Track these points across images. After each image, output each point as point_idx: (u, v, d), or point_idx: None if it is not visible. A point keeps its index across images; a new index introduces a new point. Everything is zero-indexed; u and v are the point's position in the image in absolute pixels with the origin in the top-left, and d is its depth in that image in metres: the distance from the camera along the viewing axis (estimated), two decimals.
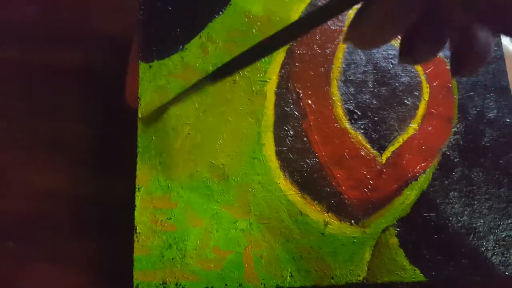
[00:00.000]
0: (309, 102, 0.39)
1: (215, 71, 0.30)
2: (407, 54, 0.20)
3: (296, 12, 0.41)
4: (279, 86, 0.40)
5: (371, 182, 0.38)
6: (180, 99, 0.37)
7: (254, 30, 0.40)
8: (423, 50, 0.20)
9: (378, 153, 0.39)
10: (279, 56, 0.40)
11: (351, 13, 0.42)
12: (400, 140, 0.40)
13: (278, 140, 0.39)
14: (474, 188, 0.40)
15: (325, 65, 0.40)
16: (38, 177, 0.42)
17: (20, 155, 0.43)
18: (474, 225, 0.39)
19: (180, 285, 0.35)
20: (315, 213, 0.37)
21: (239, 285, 0.35)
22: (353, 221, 0.38)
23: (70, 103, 0.45)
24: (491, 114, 0.42)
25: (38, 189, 0.42)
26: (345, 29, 0.41)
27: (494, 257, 0.38)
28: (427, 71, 0.42)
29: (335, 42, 0.41)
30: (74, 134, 0.44)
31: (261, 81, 0.39)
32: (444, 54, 0.43)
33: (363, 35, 0.20)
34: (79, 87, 0.46)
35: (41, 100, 0.45)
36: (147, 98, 0.38)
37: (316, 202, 0.38)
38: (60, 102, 0.45)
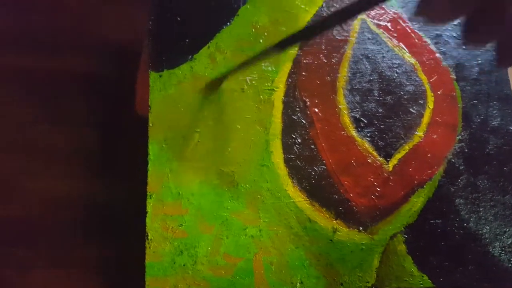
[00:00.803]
0: (316, 110, 0.40)
1: (282, 41, 0.31)
2: (468, 38, 0.22)
3: (302, 22, 0.42)
4: (286, 94, 0.40)
5: (378, 189, 0.39)
6: (246, 66, 0.39)
7: (261, 40, 0.41)
8: (483, 35, 0.21)
9: (385, 161, 0.40)
10: (286, 65, 0.41)
11: (356, 23, 0.43)
12: (406, 147, 0.40)
13: (286, 148, 0.39)
14: (480, 195, 0.40)
15: (331, 74, 0.41)
16: (43, 183, 0.43)
17: (26, 161, 0.44)
18: (480, 231, 0.39)
19: None
20: (324, 220, 0.38)
21: None
22: (361, 228, 0.38)
23: (77, 110, 0.46)
24: (495, 122, 0.42)
25: (44, 195, 0.42)
26: (350, 39, 0.42)
27: (500, 263, 0.39)
28: (431, 80, 0.43)
29: (341, 52, 0.42)
30: (81, 140, 0.44)
31: (268, 90, 0.40)
32: (447, 63, 0.43)
33: (434, 10, 0.21)
34: (87, 94, 0.46)
35: (47, 107, 0.46)
36: (157, 107, 0.38)
37: (324, 209, 0.38)
38: (66, 109, 0.46)
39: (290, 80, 0.41)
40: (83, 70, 0.47)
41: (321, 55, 0.41)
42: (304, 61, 0.41)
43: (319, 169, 0.39)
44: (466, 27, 0.22)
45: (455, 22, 0.44)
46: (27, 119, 0.45)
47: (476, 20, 0.21)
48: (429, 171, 0.40)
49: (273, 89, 0.40)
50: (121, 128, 0.43)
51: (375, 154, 0.40)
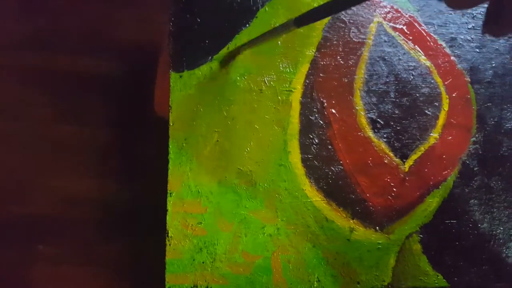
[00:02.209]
0: (333, 111, 0.41)
1: (300, 16, 0.30)
2: (489, 25, 0.22)
3: (319, 25, 0.43)
4: (304, 95, 0.41)
5: (394, 189, 0.39)
6: (260, 42, 0.38)
7: (279, 42, 0.42)
8: (505, 24, 0.21)
9: (401, 161, 0.40)
10: (304, 67, 0.42)
11: (372, 26, 0.44)
12: (422, 149, 0.41)
13: (304, 148, 0.40)
14: (494, 196, 0.41)
15: (348, 76, 0.42)
16: (65, 182, 0.43)
17: (48, 161, 0.44)
18: (494, 232, 0.40)
19: None
20: (341, 220, 0.38)
21: None
22: (377, 227, 0.39)
23: (95, 110, 0.46)
24: (509, 125, 0.43)
25: (66, 193, 0.43)
26: (367, 41, 0.43)
27: None
28: (446, 83, 0.43)
29: (358, 54, 0.42)
30: (101, 140, 0.45)
31: (286, 91, 0.41)
32: (462, 66, 0.44)
33: None
34: (106, 95, 0.47)
35: (66, 107, 0.46)
36: (178, 106, 0.39)
37: (341, 208, 0.39)
38: (85, 109, 0.46)
39: (307, 81, 0.41)
40: (103, 71, 0.48)
41: (338, 57, 0.42)
42: (322, 63, 0.42)
43: (336, 169, 0.39)
44: (488, 16, 0.22)
45: (470, 26, 0.44)
46: (47, 119, 0.46)
47: (499, 9, 0.21)
48: (444, 172, 0.41)
49: (291, 90, 0.41)
50: (140, 128, 0.44)
51: (392, 155, 0.40)
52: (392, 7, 0.44)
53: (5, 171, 0.44)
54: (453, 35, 0.44)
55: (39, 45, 0.49)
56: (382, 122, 0.41)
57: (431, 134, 0.41)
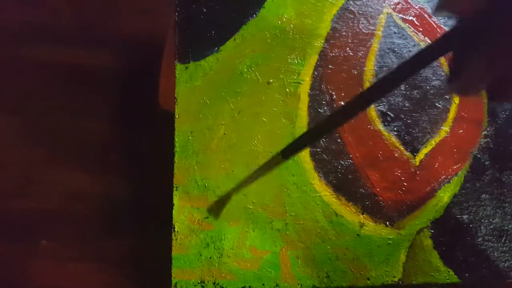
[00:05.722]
0: (342, 103, 0.40)
1: (285, 149, 0.29)
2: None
3: (328, 15, 0.42)
4: (312, 88, 0.40)
5: (405, 184, 0.39)
6: (250, 182, 0.35)
7: (291, 33, 0.41)
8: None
9: (412, 155, 0.39)
10: (312, 58, 0.41)
11: (382, 17, 0.43)
12: (433, 142, 0.40)
13: None
14: (505, 190, 0.40)
15: (358, 68, 0.41)
16: (68, 177, 0.43)
17: (49, 155, 0.43)
18: (505, 227, 0.39)
19: (218, 284, 0.35)
20: (350, 214, 0.38)
21: (276, 285, 0.35)
22: (388, 222, 0.38)
23: (98, 103, 0.45)
24: None
25: (69, 188, 0.42)
26: (376, 32, 0.42)
27: None
28: None
29: (367, 45, 0.41)
30: (103, 134, 0.44)
31: (294, 83, 0.40)
32: None
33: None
34: (110, 88, 0.46)
35: (69, 100, 0.45)
36: (184, 99, 0.38)
37: (351, 203, 0.38)
38: (88, 103, 0.45)
39: (316, 73, 0.40)
40: (107, 64, 0.47)
41: (348, 48, 0.41)
42: (331, 54, 0.41)
43: (346, 163, 0.38)
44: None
45: None
46: (49, 113, 0.45)
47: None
48: (455, 166, 0.40)
49: (299, 82, 0.40)
50: (144, 121, 0.43)
51: (402, 148, 0.39)
52: None
53: (6, 166, 0.43)
54: None
55: (38, 38, 0.48)
56: (392, 115, 0.40)
57: (442, 128, 0.41)
